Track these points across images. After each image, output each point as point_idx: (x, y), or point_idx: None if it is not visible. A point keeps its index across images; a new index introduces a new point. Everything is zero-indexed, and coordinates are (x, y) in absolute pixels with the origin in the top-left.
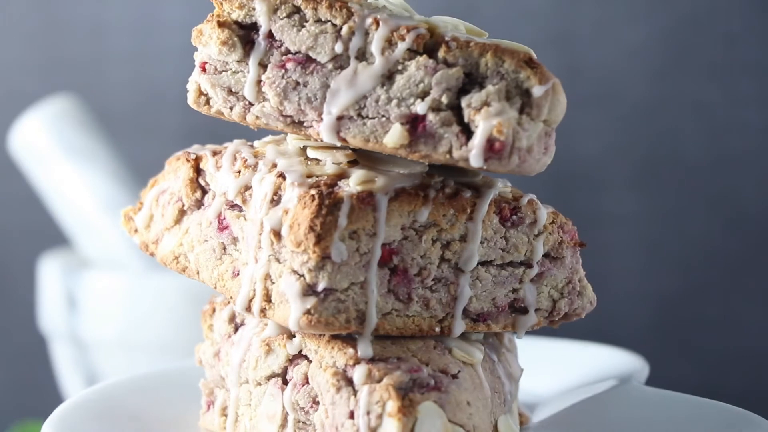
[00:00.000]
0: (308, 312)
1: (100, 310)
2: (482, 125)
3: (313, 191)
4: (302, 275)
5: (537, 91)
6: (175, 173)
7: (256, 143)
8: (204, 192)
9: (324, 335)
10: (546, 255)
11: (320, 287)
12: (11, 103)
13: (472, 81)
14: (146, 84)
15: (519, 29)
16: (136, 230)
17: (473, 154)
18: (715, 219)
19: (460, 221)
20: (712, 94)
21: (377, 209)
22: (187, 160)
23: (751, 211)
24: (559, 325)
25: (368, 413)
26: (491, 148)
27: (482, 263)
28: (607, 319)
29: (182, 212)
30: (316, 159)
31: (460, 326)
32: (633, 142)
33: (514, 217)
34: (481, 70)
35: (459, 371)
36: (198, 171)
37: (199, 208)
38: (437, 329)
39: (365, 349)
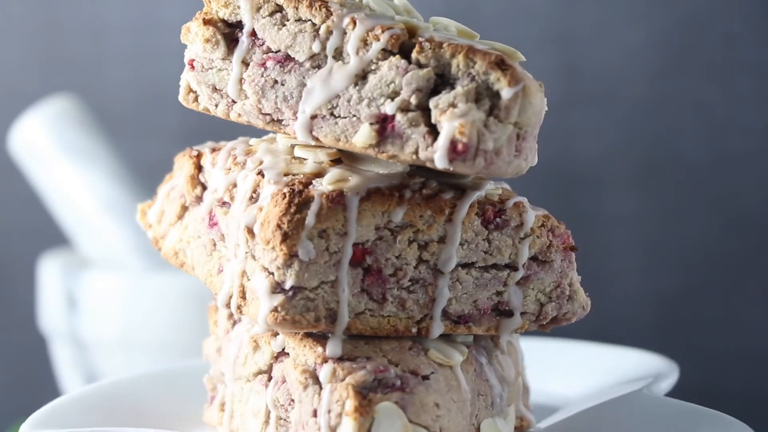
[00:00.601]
0: (275, 309)
1: (100, 310)
2: (446, 126)
3: (285, 189)
4: (272, 273)
5: (506, 93)
6: (181, 170)
7: (252, 141)
8: (204, 188)
9: (298, 333)
10: (534, 258)
11: (288, 285)
12: (11, 103)
13: (444, 82)
14: (146, 84)
15: (519, 29)
16: (150, 225)
17: (437, 156)
18: (715, 219)
19: (438, 222)
20: (712, 94)
21: (348, 209)
22: (190, 157)
23: (751, 211)
24: (551, 329)
25: (329, 412)
26: (455, 150)
27: (463, 265)
28: (607, 319)
29: (184, 208)
30: (302, 158)
31: (438, 328)
32: (633, 142)
33: (498, 219)
34: (453, 71)
35: (432, 372)
36: (199, 168)
37: (198, 204)
38: (414, 330)
39: (334, 348)
